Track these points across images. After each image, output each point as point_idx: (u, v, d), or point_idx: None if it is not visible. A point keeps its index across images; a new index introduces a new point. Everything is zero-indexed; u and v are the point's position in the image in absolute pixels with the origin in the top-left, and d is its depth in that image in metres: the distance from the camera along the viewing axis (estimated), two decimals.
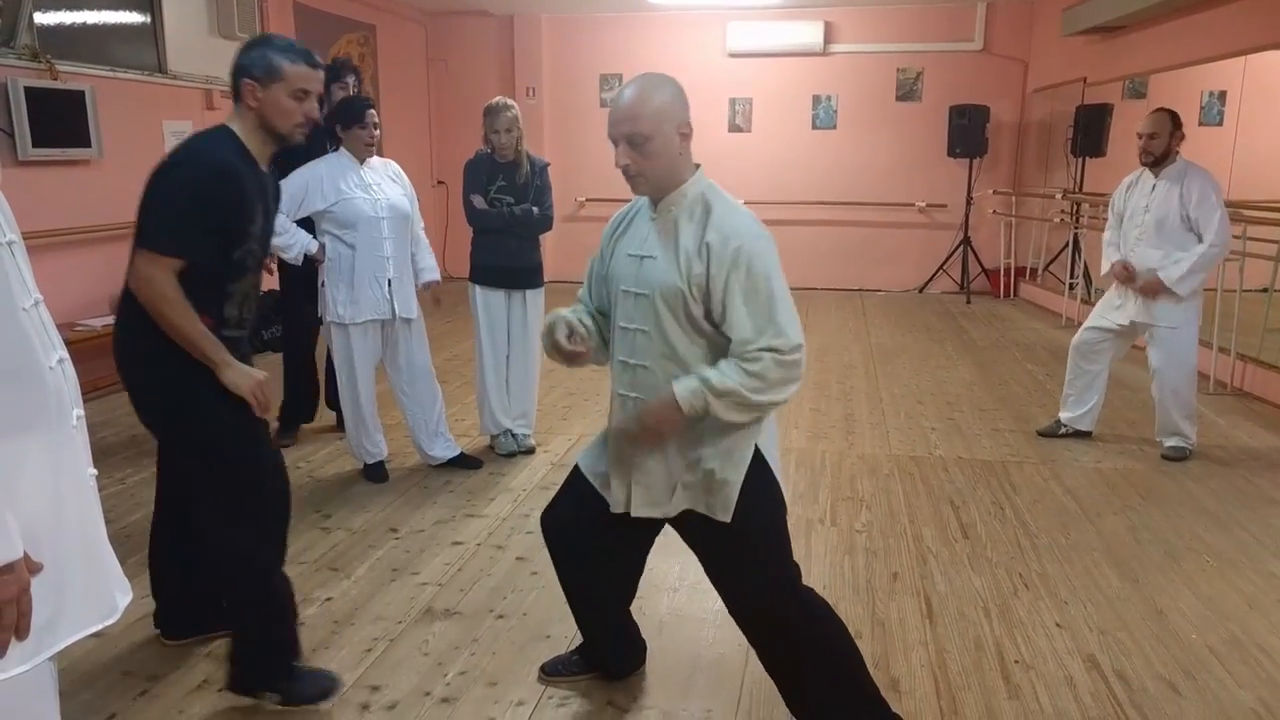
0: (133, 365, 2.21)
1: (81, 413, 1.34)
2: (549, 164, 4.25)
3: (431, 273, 4.00)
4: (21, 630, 1.18)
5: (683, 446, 2.03)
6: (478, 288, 4.18)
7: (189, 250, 2.06)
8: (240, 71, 2.12)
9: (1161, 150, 4.11)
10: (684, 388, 1.92)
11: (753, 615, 2.14)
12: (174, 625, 2.64)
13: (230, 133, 2.16)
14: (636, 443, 2.03)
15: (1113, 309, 4.35)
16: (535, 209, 4.09)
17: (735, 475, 2.00)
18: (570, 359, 2.13)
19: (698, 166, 2.03)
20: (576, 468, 2.27)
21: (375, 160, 3.82)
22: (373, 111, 3.73)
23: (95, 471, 1.34)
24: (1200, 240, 4.04)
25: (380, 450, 4.02)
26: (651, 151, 1.92)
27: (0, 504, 1.13)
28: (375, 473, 4.00)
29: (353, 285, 3.71)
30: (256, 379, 2.18)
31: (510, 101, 4.02)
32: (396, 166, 3.94)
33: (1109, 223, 4.48)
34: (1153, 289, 4.11)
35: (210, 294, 2.14)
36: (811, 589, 2.16)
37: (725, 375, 1.90)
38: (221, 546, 2.24)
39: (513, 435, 4.34)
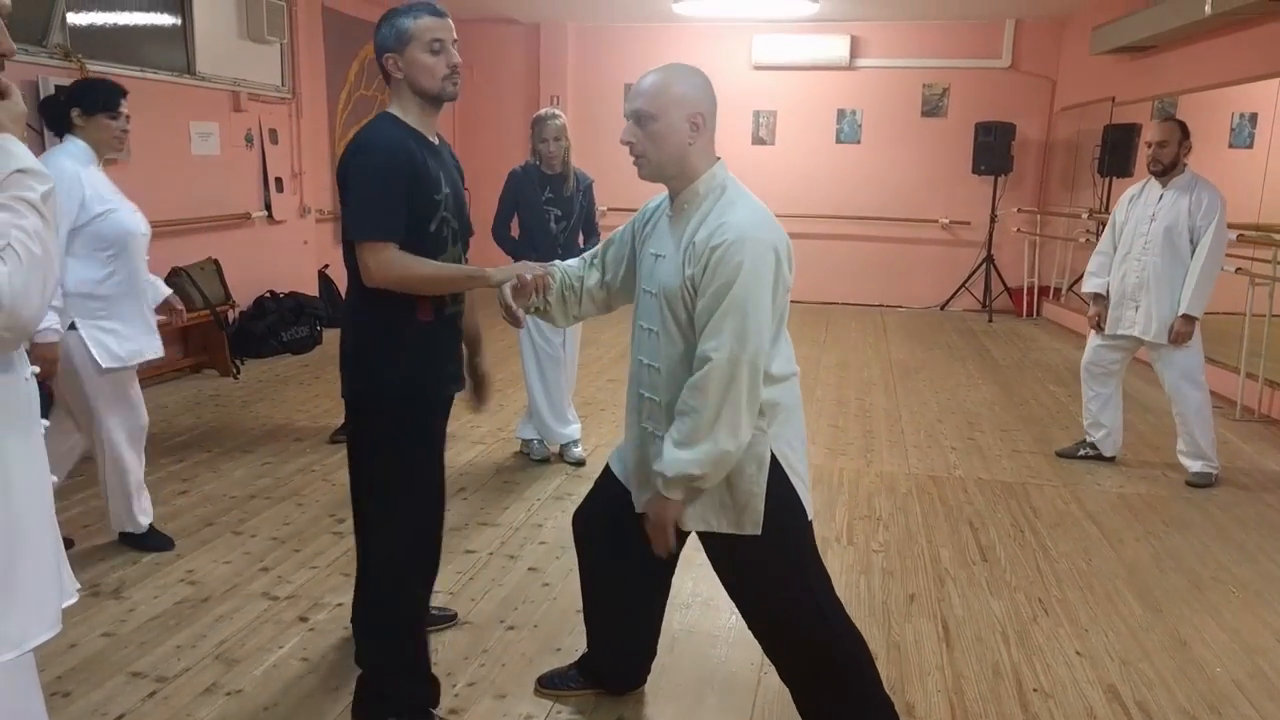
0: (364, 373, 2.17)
1: (47, 423, 1.46)
2: (594, 181, 4.23)
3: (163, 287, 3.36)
4: None
5: None
6: None
7: (397, 231, 2.03)
8: (379, 51, 2.10)
9: (1170, 159, 4.11)
10: (661, 485, 1.91)
11: (769, 632, 2.10)
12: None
13: (389, 116, 2.15)
14: (661, 538, 1.99)
15: (1116, 324, 4.29)
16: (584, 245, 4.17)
17: (758, 486, 1.93)
18: (512, 316, 2.13)
19: (718, 160, 1.96)
20: (608, 466, 2.25)
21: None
22: (127, 100, 3.05)
23: (57, 479, 1.48)
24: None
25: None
26: (654, 133, 1.89)
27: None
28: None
29: (124, 318, 3.06)
30: (520, 268, 2.18)
31: (557, 111, 4.04)
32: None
33: (1103, 235, 4.43)
34: (1185, 335, 4.07)
35: None
36: (838, 604, 2.08)
37: (668, 458, 1.88)
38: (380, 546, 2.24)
39: (564, 447, 4.35)
